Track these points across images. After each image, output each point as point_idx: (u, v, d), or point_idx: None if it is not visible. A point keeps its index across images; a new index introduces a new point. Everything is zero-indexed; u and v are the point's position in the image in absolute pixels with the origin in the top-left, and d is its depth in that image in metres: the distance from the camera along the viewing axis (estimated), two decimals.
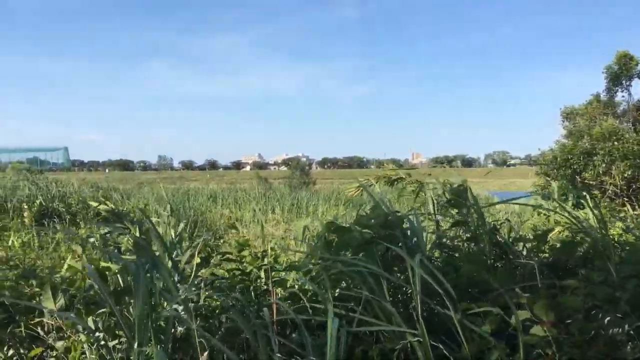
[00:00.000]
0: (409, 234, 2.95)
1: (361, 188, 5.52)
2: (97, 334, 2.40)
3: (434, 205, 3.56)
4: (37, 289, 3.36)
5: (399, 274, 2.69)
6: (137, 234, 3.18)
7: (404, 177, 4.84)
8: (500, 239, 3.27)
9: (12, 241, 5.83)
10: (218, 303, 3.01)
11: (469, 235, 3.40)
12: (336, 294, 2.56)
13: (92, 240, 3.59)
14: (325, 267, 2.34)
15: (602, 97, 15.47)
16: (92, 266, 2.81)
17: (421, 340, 1.89)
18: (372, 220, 2.79)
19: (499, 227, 3.53)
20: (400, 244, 2.59)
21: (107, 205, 3.86)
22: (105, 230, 3.53)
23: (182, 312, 2.16)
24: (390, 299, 2.37)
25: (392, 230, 2.71)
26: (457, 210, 3.54)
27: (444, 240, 3.41)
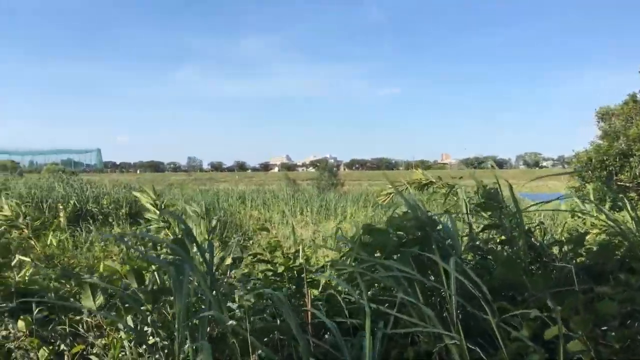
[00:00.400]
0: (442, 236, 2.93)
1: (392, 194, 5.50)
2: (135, 332, 2.45)
3: (466, 207, 3.53)
4: (76, 288, 3.46)
5: (432, 277, 2.68)
6: (177, 230, 3.23)
7: (434, 181, 4.81)
8: (535, 242, 3.22)
9: (51, 240, 6.00)
10: (250, 303, 3.05)
11: (503, 238, 3.36)
12: (369, 296, 2.57)
13: (125, 240, 3.67)
14: (362, 269, 2.35)
15: (638, 97, 15.08)
16: (130, 266, 2.88)
17: (458, 342, 1.87)
18: (406, 222, 2.78)
19: (533, 229, 3.48)
20: (434, 246, 2.57)
21: (151, 198, 3.92)
22: (143, 228, 3.59)
23: (218, 314, 2.18)
24: (424, 301, 2.35)
25: (426, 232, 2.70)
26: (490, 213, 3.51)
27: (477, 242, 3.37)
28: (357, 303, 2.18)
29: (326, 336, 2.60)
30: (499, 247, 3.39)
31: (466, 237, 3.39)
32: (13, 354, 2.69)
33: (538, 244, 3.23)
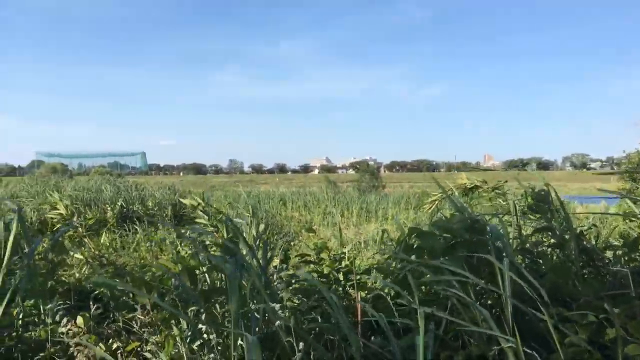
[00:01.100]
0: (490, 238, 2.90)
1: (437, 201, 5.45)
2: (188, 330, 2.51)
3: (515, 210, 3.48)
4: (125, 286, 3.57)
5: (482, 280, 2.65)
6: (225, 234, 3.30)
7: (479, 185, 4.74)
8: (587, 246, 3.15)
9: (104, 240, 6.20)
10: (297, 304, 3.08)
11: (553, 242, 3.30)
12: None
13: (169, 240, 3.77)
14: (411, 271, 2.35)
15: None
16: (182, 265, 2.96)
17: (514, 346, 1.85)
18: (454, 225, 2.77)
19: (585, 232, 3.40)
20: (484, 249, 2.55)
21: (199, 204, 4.04)
22: (192, 230, 3.69)
23: (273, 311, 2.22)
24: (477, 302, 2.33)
25: (474, 235, 2.68)
26: (539, 215, 3.45)
27: (527, 245, 3.32)
28: (407, 305, 2.18)
29: (372, 338, 2.61)
30: (549, 251, 3.33)
31: (515, 240, 3.34)
32: (70, 350, 2.80)
33: (590, 247, 3.16)
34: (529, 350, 1.91)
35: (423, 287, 2.90)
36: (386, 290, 2.92)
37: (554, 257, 3.23)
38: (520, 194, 3.71)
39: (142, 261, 7.19)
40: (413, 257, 2.73)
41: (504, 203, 3.99)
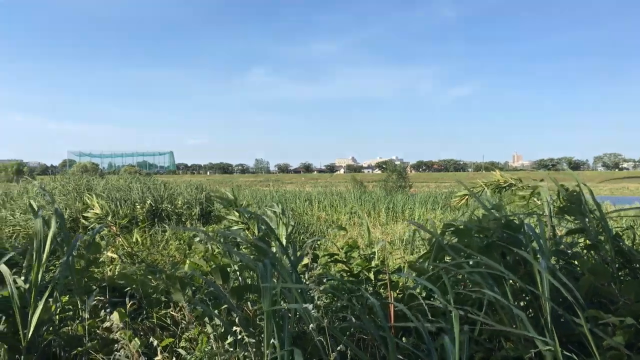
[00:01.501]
0: (525, 238, 2.86)
1: (467, 196, 5.37)
2: (222, 328, 2.54)
3: (550, 210, 3.42)
4: (157, 283, 3.63)
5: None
6: (256, 231, 3.33)
7: (513, 182, 4.66)
8: (624, 247, 3.08)
9: (136, 238, 6.30)
10: (326, 302, 3.09)
11: (588, 243, 3.23)
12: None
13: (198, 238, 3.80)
14: (446, 270, 2.33)
15: None
16: (214, 263, 2.99)
17: (552, 348, 1.82)
18: (488, 224, 2.74)
19: (621, 234, 3.32)
20: (522, 248, 2.52)
21: (232, 200, 4.07)
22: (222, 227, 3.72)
23: (305, 311, 2.23)
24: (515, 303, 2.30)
25: (510, 234, 2.65)
26: (573, 217, 3.38)
27: (561, 247, 3.26)
28: (442, 305, 2.16)
29: (403, 339, 2.59)
30: (584, 253, 3.26)
31: (550, 241, 3.29)
32: (107, 345, 2.85)
33: (626, 249, 3.09)
34: (567, 353, 1.88)
35: (456, 287, 2.88)
36: (417, 291, 2.91)
37: (590, 259, 3.17)
38: (552, 194, 3.65)
39: (171, 259, 7.29)
40: (447, 258, 2.71)
41: (539, 202, 3.92)
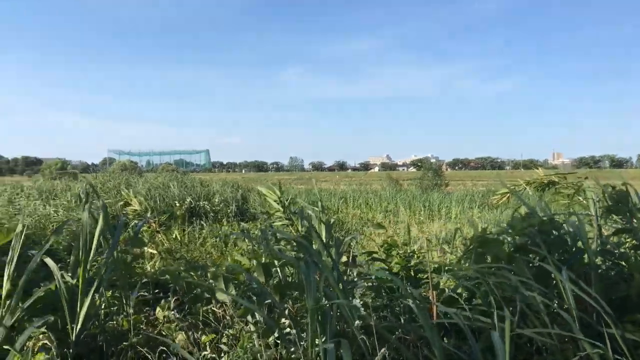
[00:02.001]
0: (569, 240, 2.79)
1: (508, 194, 5.26)
2: (264, 325, 2.56)
3: (595, 210, 3.32)
4: (198, 279, 3.68)
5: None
6: (299, 228, 3.34)
7: (557, 180, 4.54)
8: None
9: (176, 235, 6.41)
10: (370, 300, 3.08)
11: (635, 243, 3.13)
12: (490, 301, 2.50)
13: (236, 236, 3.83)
14: (487, 273, 2.29)
15: None
16: (257, 261, 3.02)
17: (601, 351, 1.77)
18: (530, 224, 2.68)
19: None
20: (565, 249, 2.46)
21: (276, 196, 4.10)
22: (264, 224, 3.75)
23: (350, 308, 2.23)
24: (545, 310, 2.25)
25: (550, 236, 2.59)
26: (620, 216, 3.28)
27: (608, 247, 3.17)
28: (484, 307, 2.13)
29: (444, 339, 2.57)
30: (632, 253, 3.16)
31: (595, 241, 3.20)
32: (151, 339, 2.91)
33: None
34: (618, 357, 1.83)
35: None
36: (458, 291, 2.87)
37: (636, 260, 3.07)
38: (596, 193, 3.55)
39: (208, 255, 7.39)
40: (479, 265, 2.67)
41: (583, 201, 3.81)
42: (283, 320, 2.55)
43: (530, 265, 2.60)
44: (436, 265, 3.82)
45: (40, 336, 2.58)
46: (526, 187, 4.73)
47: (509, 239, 2.86)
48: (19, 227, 2.87)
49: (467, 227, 11.04)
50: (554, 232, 2.70)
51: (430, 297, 3.06)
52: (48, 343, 2.53)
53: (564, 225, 2.77)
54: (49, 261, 2.82)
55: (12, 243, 2.79)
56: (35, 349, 2.51)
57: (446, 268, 3.24)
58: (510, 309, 2.11)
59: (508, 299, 2.53)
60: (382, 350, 1.97)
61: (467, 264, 2.90)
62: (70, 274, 2.97)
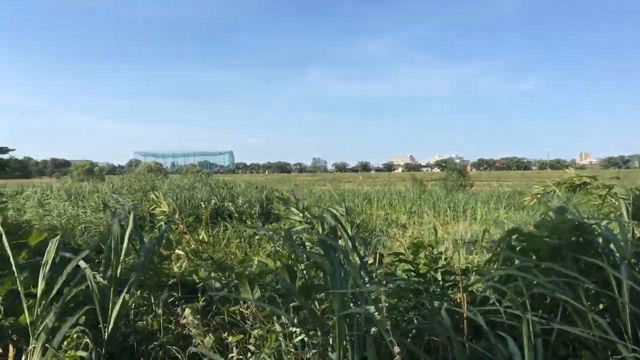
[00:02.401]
0: (598, 239, 2.74)
1: (539, 195, 5.18)
2: (291, 327, 2.57)
3: (627, 211, 3.26)
4: (225, 280, 3.71)
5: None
6: (320, 230, 3.35)
7: (588, 181, 4.46)
8: None
9: (202, 236, 6.48)
10: (394, 302, 3.06)
11: None
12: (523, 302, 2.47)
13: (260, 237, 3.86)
14: (521, 270, 2.26)
15: None
16: (281, 262, 3.03)
17: (639, 355, 1.74)
18: (561, 226, 2.64)
19: None
20: (597, 252, 2.41)
21: (294, 201, 4.13)
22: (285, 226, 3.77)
23: (375, 311, 2.23)
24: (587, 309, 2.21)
25: (585, 237, 2.54)
26: None
27: None
28: (515, 307, 2.10)
29: (473, 341, 2.54)
30: None
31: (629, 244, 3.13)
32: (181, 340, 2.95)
33: None
34: None
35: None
36: (487, 293, 2.84)
37: None
38: (628, 194, 3.48)
39: (232, 256, 7.45)
40: (517, 260, 2.63)
41: (615, 203, 3.74)
42: (306, 321, 2.56)
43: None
44: (465, 267, 3.79)
45: (75, 335, 2.64)
46: (556, 189, 4.65)
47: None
48: (49, 228, 2.94)
49: (494, 228, 10.91)
50: (586, 235, 2.65)
51: (458, 299, 3.04)
52: (87, 341, 2.58)
53: (593, 229, 2.71)
54: (82, 264, 2.88)
55: (49, 246, 2.86)
56: (71, 347, 2.57)
57: (474, 269, 3.21)
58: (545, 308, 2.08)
59: (543, 296, 2.50)
60: (397, 349, 1.95)
61: (496, 265, 2.87)
62: (101, 275, 3.03)
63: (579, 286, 2.21)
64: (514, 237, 2.76)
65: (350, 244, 2.74)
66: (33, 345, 2.30)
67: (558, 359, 2.26)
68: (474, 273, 3.19)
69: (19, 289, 2.69)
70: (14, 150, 4.17)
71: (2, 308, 2.87)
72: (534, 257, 2.65)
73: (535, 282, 2.28)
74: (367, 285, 2.50)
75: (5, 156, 4.36)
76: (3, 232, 2.88)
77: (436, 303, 3.06)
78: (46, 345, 2.31)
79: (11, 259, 2.76)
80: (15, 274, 2.74)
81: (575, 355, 2.20)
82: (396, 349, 2.15)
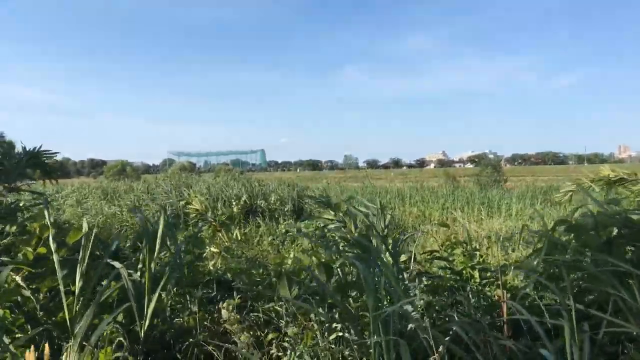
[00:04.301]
0: None
1: (571, 192, 5.02)
2: (328, 324, 2.55)
3: None
4: (259, 278, 3.71)
5: None
6: (352, 229, 3.32)
7: (626, 177, 4.29)
8: None
9: (236, 234, 6.53)
10: (430, 300, 3.01)
11: None
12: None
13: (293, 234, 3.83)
14: (567, 266, 2.19)
15: None
16: (318, 260, 3.01)
17: None
18: (609, 219, 2.54)
19: None
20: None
21: (326, 200, 4.10)
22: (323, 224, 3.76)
23: (412, 310, 2.19)
24: None
25: (633, 232, 2.44)
26: None
27: None
28: (561, 304, 2.03)
29: (518, 339, 2.47)
30: None
31: None
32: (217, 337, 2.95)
33: None
34: None
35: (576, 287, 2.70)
36: (527, 290, 2.77)
37: None
38: None
39: (264, 253, 7.47)
40: (563, 255, 2.55)
41: None
42: (343, 320, 2.53)
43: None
44: (503, 263, 3.71)
45: (112, 334, 2.67)
46: (591, 185, 4.50)
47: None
48: (85, 227, 2.98)
49: (531, 224, 10.68)
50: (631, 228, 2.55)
51: (496, 296, 2.97)
52: (121, 339, 2.61)
53: None
54: (116, 264, 2.90)
55: (83, 242, 2.89)
56: (107, 345, 2.60)
57: (514, 265, 3.13)
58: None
59: (590, 292, 2.41)
60: (440, 348, 1.91)
61: (537, 260, 2.79)
62: (138, 273, 3.07)
63: (630, 282, 2.12)
64: (560, 229, 2.67)
65: (381, 243, 2.70)
66: (71, 343, 2.33)
67: (606, 356, 2.18)
68: (512, 269, 3.11)
69: (60, 286, 2.73)
70: (58, 153, 4.27)
71: (41, 305, 2.93)
72: (581, 252, 2.56)
73: (581, 274, 2.20)
74: (401, 284, 2.46)
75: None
76: (51, 232, 2.91)
77: (473, 300, 3.01)
78: (84, 343, 2.33)
79: (54, 256, 2.79)
80: (57, 272, 2.78)
81: (624, 353, 2.12)
82: (439, 349, 2.11)
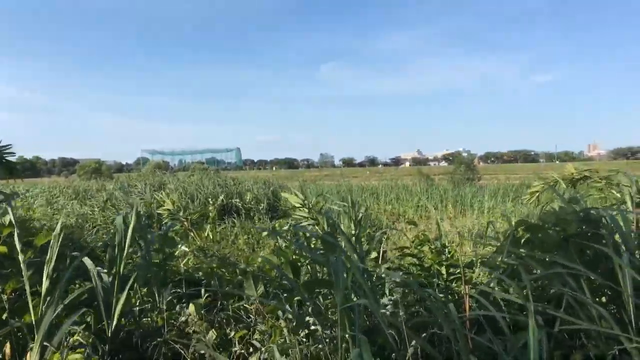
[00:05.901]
0: (606, 231, 2.72)
1: (539, 193, 5.14)
2: (294, 321, 2.57)
3: (632, 202, 3.23)
4: (229, 277, 3.71)
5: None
6: (325, 227, 3.35)
7: (588, 175, 4.42)
8: None
9: (208, 233, 6.50)
10: (399, 296, 3.06)
11: None
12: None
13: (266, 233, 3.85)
14: (521, 266, 2.25)
15: None
16: (285, 258, 3.03)
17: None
18: (567, 217, 2.61)
19: None
20: (598, 244, 2.39)
21: (300, 198, 4.13)
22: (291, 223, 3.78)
23: (374, 308, 2.22)
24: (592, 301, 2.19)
25: (590, 228, 2.52)
26: None
27: None
28: (518, 299, 2.09)
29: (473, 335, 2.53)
30: None
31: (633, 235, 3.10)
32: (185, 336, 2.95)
33: None
34: None
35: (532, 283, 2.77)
36: (491, 285, 2.83)
37: None
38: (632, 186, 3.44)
39: (239, 252, 7.46)
40: (522, 251, 2.62)
41: (618, 195, 3.71)
42: (312, 316, 2.55)
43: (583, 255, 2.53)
44: (470, 260, 3.78)
45: (79, 335, 2.65)
46: (558, 182, 4.62)
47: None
48: (58, 228, 2.94)
49: (501, 221, 10.86)
50: (589, 225, 2.63)
51: (461, 291, 3.03)
52: (83, 341, 2.59)
53: (600, 219, 2.69)
54: (86, 260, 2.89)
55: (51, 243, 2.86)
56: (72, 346, 2.58)
57: (479, 260, 3.20)
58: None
59: (547, 289, 2.48)
60: (413, 342, 1.95)
61: (501, 257, 2.85)
62: (105, 272, 3.05)
63: (582, 279, 2.19)
64: (520, 228, 2.75)
65: (347, 240, 2.73)
66: (32, 344, 2.30)
67: (564, 350, 2.25)
68: (478, 266, 3.18)
69: (26, 287, 2.69)
70: (10, 146, 4.08)
71: (6, 306, 2.88)
72: (539, 249, 2.63)
73: (538, 272, 2.26)
74: (368, 280, 2.49)
75: (12, 158, 4.34)
76: (16, 231, 2.86)
77: (441, 296, 3.07)
78: (45, 343, 2.31)
79: (20, 256, 2.75)
80: (22, 272, 2.73)
81: (579, 347, 2.19)
82: (414, 343, 2.14)
